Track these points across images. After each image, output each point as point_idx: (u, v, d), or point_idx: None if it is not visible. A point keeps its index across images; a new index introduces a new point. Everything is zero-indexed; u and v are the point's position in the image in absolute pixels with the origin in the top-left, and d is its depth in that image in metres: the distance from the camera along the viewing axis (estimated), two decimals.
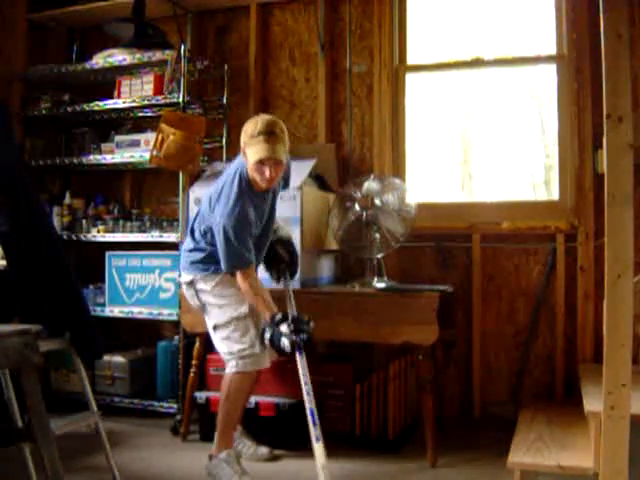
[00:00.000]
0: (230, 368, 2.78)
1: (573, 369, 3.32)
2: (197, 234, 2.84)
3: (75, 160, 3.91)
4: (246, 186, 2.69)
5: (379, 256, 3.27)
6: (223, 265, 2.70)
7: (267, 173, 2.63)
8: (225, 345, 2.80)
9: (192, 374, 3.30)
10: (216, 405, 2.92)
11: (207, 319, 2.86)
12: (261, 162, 2.63)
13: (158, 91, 3.70)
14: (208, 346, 3.34)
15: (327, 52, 3.84)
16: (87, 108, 3.88)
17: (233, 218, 2.62)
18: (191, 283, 2.85)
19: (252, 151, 2.62)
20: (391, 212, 3.22)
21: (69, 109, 3.94)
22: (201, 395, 3.29)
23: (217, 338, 2.83)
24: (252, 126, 2.64)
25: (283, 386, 3.17)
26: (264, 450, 3.02)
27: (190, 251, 2.86)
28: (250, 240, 2.68)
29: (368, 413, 3.20)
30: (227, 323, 2.78)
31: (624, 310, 1.87)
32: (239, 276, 2.68)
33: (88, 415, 2.65)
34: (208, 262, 2.80)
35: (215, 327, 2.82)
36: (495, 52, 3.75)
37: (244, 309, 2.76)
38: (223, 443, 2.77)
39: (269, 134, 2.60)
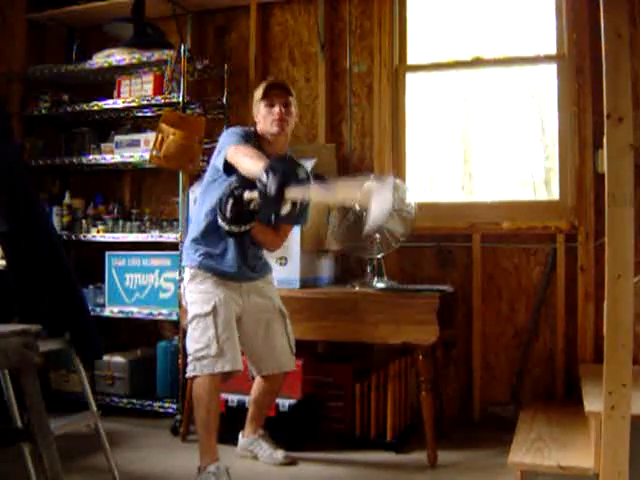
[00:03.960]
0: (188, 372, 2.70)
1: (573, 369, 3.32)
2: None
3: (75, 160, 3.90)
4: (254, 136, 2.74)
5: (379, 256, 3.27)
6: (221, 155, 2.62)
7: (276, 109, 2.70)
8: (187, 345, 2.73)
9: None
10: None
11: None
12: (268, 98, 2.71)
13: (158, 91, 3.70)
14: None
15: (327, 52, 3.84)
16: (87, 108, 3.88)
17: (233, 130, 2.72)
18: (182, 279, 2.86)
19: (258, 96, 2.76)
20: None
21: (69, 109, 3.94)
22: None
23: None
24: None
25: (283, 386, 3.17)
26: (279, 455, 2.96)
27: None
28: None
29: (368, 413, 3.20)
30: (190, 321, 2.71)
31: (624, 310, 1.87)
32: (231, 152, 2.54)
33: (88, 415, 2.65)
34: (191, 249, 2.76)
35: (186, 325, 2.78)
36: (495, 52, 3.75)
37: (208, 307, 2.67)
38: (207, 454, 2.65)
39: (274, 81, 2.82)
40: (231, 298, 2.74)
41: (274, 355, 2.86)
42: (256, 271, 2.84)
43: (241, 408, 3.12)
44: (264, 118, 2.73)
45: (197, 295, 2.73)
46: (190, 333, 2.71)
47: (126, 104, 3.78)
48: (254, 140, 2.71)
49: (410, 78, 3.82)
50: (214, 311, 2.67)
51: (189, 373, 2.69)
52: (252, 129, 2.80)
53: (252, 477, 2.85)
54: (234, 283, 2.77)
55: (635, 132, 1.91)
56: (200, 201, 2.82)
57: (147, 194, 4.22)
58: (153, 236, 3.71)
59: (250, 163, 2.39)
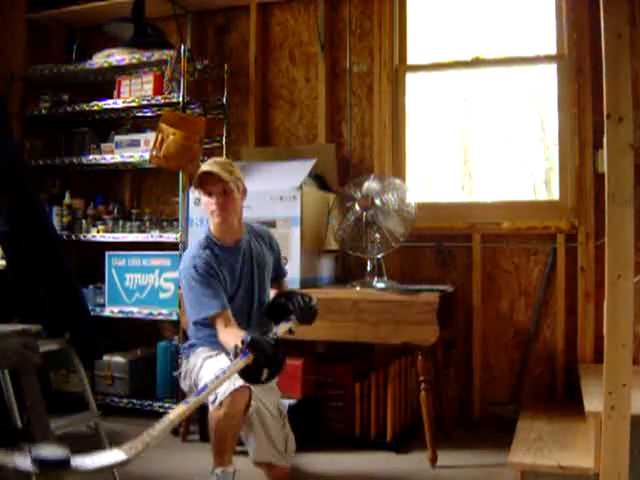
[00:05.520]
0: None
1: (573, 369, 3.32)
2: None
3: (75, 160, 3.91)
4: (210, 242, 2.61)
5: (379, 256, 3.27)
6: (194, 318, 2.56)
7: (213, 199, 2.54)
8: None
9: None
10: None
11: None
12: (203, 188, 2.55)
13: (158, 91, 3.70)
14: None
15: (327, 52, 3.84)
16: (87, 108, 3.88)
17: (193, 266, 2.52)
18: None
19: (194, 185, 2.58)
20: (391, 212, 3.22)
21: (69, 109, 3.94)
22: None
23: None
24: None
25: (282, 387, 3.16)
26: None
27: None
28: (219, 289, 2.51)
29: (368, 413, 3.20)
30: (202, 364, 2.54)
31: (624, 310, 1.87)
32: (217, 327, 2.46)
33: (88, 415, 2.65)
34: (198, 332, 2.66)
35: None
36: (495, 52, 3.75)
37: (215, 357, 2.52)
38: (217, 458, 2.49)
39: (209, 163, 2.59)
40: None
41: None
42: None
43: None
44: (206, 207, 2.61)
45: (203, 360, 2.56)
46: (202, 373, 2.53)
47: (126, 104, 3.78)
48: (214, 249, 2.59)
49: (410, 78, 3.82)
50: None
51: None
52: (208, 234, 2.64)
53: (252, 476, 2.85)
54: None
55: (635, 132, 1.90)
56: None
57: (147, 194, 4.22)
58: (153, 236, 3.71)
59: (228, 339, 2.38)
